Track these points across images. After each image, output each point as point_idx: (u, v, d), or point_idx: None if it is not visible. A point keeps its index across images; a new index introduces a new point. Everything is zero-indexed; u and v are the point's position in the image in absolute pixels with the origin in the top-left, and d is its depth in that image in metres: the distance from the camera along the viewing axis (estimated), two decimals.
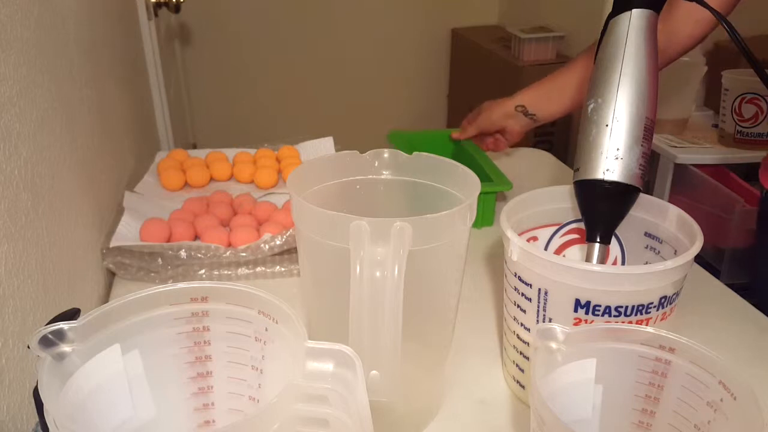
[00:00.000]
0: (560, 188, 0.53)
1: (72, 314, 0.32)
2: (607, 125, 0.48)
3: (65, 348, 0.30)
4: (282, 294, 0.34)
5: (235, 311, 0.35)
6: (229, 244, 0.68)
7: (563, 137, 1.88)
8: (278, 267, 0.67)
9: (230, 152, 0.90)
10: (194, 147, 1.60)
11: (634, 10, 0.49)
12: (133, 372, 0.34)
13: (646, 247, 0.51)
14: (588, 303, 0.43)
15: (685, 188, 1.26)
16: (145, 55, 1.24)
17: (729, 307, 0.64)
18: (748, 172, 1.38)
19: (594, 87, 0.49)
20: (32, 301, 0.47)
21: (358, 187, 0.49)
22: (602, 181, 0.47)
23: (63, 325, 0.31)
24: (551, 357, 0.35)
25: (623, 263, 0.53)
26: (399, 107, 2.36)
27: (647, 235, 0.51)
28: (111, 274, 0.68)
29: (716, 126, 1.36)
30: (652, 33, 0.49)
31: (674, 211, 0.49)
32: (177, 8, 1.40)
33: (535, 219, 0.53)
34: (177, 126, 1.51)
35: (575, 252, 0.55)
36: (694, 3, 0.52)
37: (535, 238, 0.54)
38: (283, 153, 0.89)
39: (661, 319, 0.44)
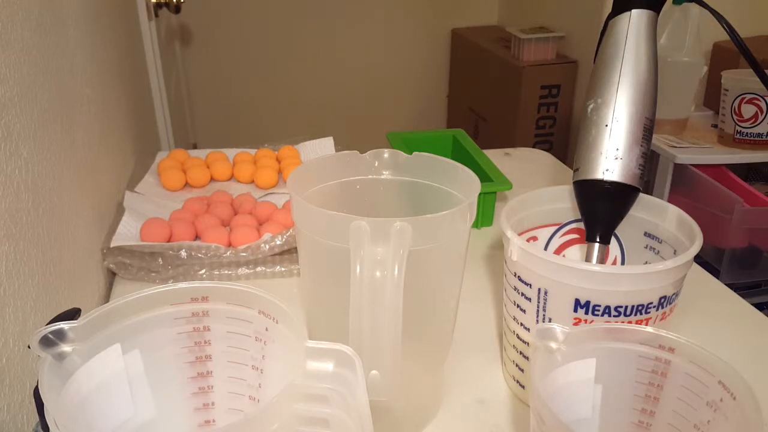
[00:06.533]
0: (560, 188, 0.53)
1: (72, 314, 0.33)
2: (606, 125, 0.48)
3: (66, 348, 0.30)
4: (282, 294, 0.34)
5: (236, 311, 0.35)
6: (230, 244, 0.68)
7: (563, 137, 1.88)
8: (278, 267, 0.68)
9: (230, 152, 0.90)
10: (194, 147, 1.60)
11: (634, 11, 0.49)
12: (134, 372, 0.34)
13: (646, 247, 0.51)
14: (588, 303, 0.43)
15: (684, 188, 1.26)
16: (146, 55, 1.24)
17: (729, 307, 0.64)
18: (748, 172, 1.39)
19: (593, 87, 0.49)
20: (33, 301, 0.47)
21: (358, 187, 0.49)
22: (602, 181, 0.47)
23: (63, 325, 0.31)
24: (551, 357, 0.35)
25: (623, 263, 0.53)
26: (399, 107, 2.36)
27: (647, 235, 0.51)
28: (111, 274, 0.68)
29: (716, 126, 1.36)
30: (651, 33, 0.49)
31: (674, 211, 0.49)
32: (177, 9, 1.40)
33: (535, 219, 0.53)
34: (177, 126, 1.51)
35: (575, 252, 0.55)
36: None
37: (535, 238, 0.54)
38: (283, 153, 0.89)
39: (661, 319, 0.44)
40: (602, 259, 0.49)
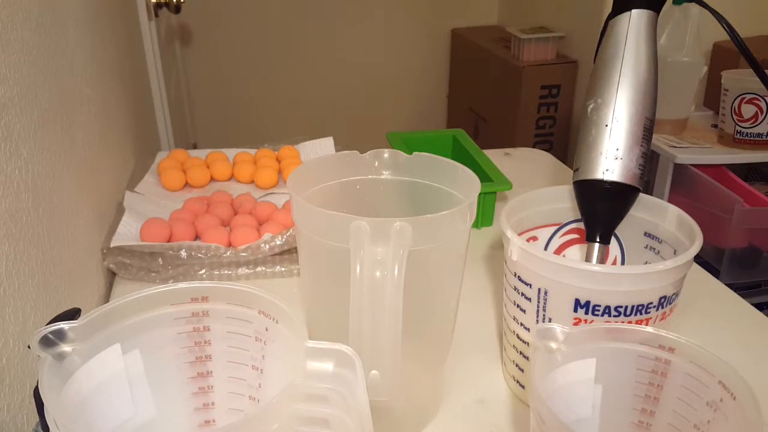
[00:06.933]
0: (560, 188, 0.53)
1: (72, 314, 0.33)
2: (606, 125, 0.48)
3: (66, 348, 0.30)
4: (282, 294, 0.34)
5: (236, 311, 0.35)
6: (230, 244, 0.68)
7: (563, 137, 1.88)
8: (278, 267, 0.68)
9: (230, 152, 0.90)
10: (194, 147, 1.60)
11: (634, 11, 0.49)
12: (134, 372, 0.34)
13: (646, 247, 0.51)
14: (588, 303, 0.43)
15: (684, 188, 1.26)
16: (146, 55, 1.24)
17: (729, 307, 0.64)
18: (748, 172, 1.39)
19: (593, 87, 0.49)
20: (33, 301, 0.47)
21: (358, 187, 0.49)
22: (602, 181, 0.47)
23: (63, 325, 0.31)
24: (551, 357, 0.35)
25: (623, 263, 0.53)
26: (399, 107, 2.36)
27: (647, 235, 0.51)
28: (111, 274, 0.68)
29: (716, 126, 1.36)
30: (651, 33, 0.49)
31: (674, 211, 0.49)
32: (177, 9, 1.40)
33: (535, 219, 0.53)
34: (177, 126, 1.51)
35: (575, 252, 0.55)
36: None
37: (535, 238, 0.54)
38: (283, 153, 0.89)
39: (661, 319, 0.44)
40: (602, 259, 0.49)
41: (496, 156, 0.96)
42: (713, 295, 0.66)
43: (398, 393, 0.39)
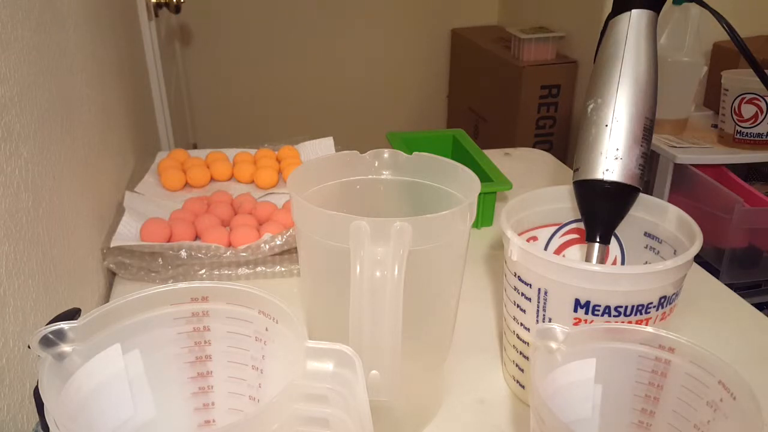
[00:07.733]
0: (560, 188, 0.53)
1: (72, 314, 0.33)
2: (606, 125, 0.48)
3: (66, 348, 0.30)
4: (282, 294, 0.34)
5: (236, 311, 0.35)
6: (230, 244, 0.68)
7: (563, 137, 1.88)
8: (278, 267, 0.68)
9: (230, 152, 0.90)
10: (194, 147, 1.60)
11: (634, 11, 0.49)
12: (134, 372, 0.34)
13: (646, 247, 0.51)
14: (588, 303, 0.43)
15: (684, 188, 1.26)
16: (146, 55, 1.24)
17: (729, 307, 0.64)
18: (748, 172, 1.39)
19: (594, 87, 0.49)
20: (33, 301, 0.47)
21: (358, 187, 0.49)
22: (602, 181, 0.47)
23: (63, 325, 0.31)
24: (551, 357, 0.35)
25: (623, 263, 0.53)
26: (399, 107, 2.36)
27: (647, 235, 0.51)
28: (111, 274, 0.68)
29: (716, 126, 1.36)
30: (651, 33, 0.49)
31: (674, 211, 0.49)
32: (177, 9, 1.40)
33: (535, 219, 0.53)
34: (177, 126, 1.51)
35: (575, 252, 0.55)
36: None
37: (535, 238, 0.54)
38: (283, 153, 0.89)
39: (661, 319, 0.44)
40: (602, 259, 0.49)
41: (496, 156, 0.96)
42: (713, 295, 0.66)
43: (398, 393, 0.39)
